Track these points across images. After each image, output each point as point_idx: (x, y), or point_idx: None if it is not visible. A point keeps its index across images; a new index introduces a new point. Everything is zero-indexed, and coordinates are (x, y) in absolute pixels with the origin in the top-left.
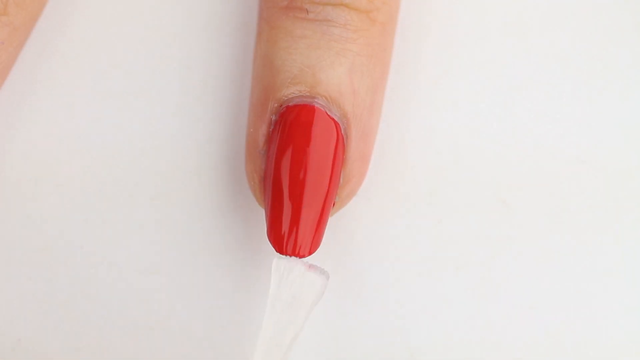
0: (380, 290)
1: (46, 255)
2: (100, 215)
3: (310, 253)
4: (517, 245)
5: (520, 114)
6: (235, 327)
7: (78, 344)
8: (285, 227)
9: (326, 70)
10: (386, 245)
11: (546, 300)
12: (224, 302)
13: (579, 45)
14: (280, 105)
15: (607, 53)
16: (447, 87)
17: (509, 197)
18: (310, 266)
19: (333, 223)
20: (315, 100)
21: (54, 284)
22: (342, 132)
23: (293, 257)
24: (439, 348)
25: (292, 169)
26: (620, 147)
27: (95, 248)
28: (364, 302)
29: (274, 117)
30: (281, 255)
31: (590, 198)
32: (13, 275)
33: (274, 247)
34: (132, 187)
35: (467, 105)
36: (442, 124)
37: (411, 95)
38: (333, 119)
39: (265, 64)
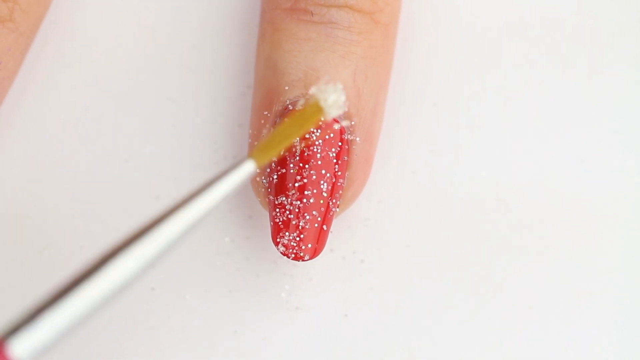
0: (381, 290)
1: (46, 255)
2: (101, 215)
3: (314, 256)
4: (517, 245)
5: (520, 114)
6: (236, 327)
7: (78, 344)
8: (289, 229)
9: (331, 74)
10: (386, 245)
11: (546, 300)
12: (226, 303)
13: (578, 46)
14: (285, 108)
15: (607, 53)
16: (447, 88)
17: (509, 197)
18: None
19: (334, 223)
20: None
21: (54, 284)
22: (347, 135)
23: None
24: (439, 348)
25: (297, 172)
26: (620, 146)
27: (95, 248)
28: (365, 302)
29: (278, 120)
30: None
31: (590, 197)
32: (13, 275)
33: (278, 249)
34: (133, 187)
35: (467, 106)
36: (442, 125)
37: (411, 96)
38: (338, 122)
39: (268, 67)
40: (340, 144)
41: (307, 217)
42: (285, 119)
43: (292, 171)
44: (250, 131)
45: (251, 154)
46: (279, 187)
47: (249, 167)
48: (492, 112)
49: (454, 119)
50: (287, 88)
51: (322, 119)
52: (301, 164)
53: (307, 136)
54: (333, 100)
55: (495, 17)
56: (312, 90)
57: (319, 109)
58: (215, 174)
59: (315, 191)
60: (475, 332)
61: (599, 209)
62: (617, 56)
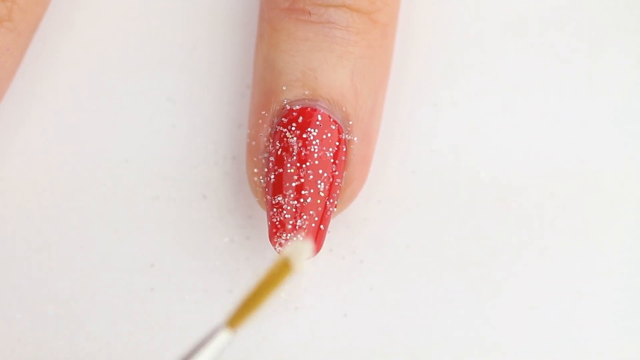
0: (381, 290)
1: (46, 255)
2: (100, 215)
3: (312, 255)
4: (517, 245)
5: (520, 114)
6: None
7: (78, 344)
8: (287, 229)
9: (328, 73)
10: (386, 245)
11: (546, 300)
12: (226, 303)
13: (578, 46)
14: (282, 108)
15: (607, 53)
16: (447, 88)
17: (509, 197)
18: None
19: (334, 223)
20: (318, 103)
21: (54, 284)
22: (344, 134)
23: None
24: (439, 348)
25: (294, 172)
26: (620, 147)
27: (95, 248)
28: (365, 303)
29: (275, 120)
30: None
31: (590, 198)
32: (13, 275)
33: (275, 249)
34: (132, 187)
35: (467, 106)
36: (442, 125)
37: (411, 96)
38: (335, 122)
39: (266, 66)
40: (337, 143)
41: (305, 217)
42: (256, 284)
43: (289, 171)
44: (249, 131)
45: (226, 322)
46: (276, 187)
47: (224, 338)
48: (492, 112)
49: (454, 119)
50: (284, 88)
51: (292, 275)
52: (298, 164)
53: (304, 136)
54: (302, 259)
55: (494, 17)
56: (284, 250)
57: (288, 267)
58: (191, 346)
59: (312, 191)
60: (475, 332)
61: (599, 209)
62: (617, 55)
